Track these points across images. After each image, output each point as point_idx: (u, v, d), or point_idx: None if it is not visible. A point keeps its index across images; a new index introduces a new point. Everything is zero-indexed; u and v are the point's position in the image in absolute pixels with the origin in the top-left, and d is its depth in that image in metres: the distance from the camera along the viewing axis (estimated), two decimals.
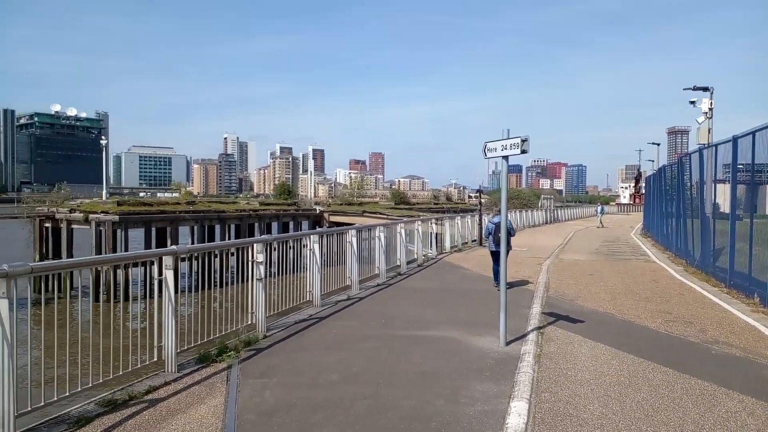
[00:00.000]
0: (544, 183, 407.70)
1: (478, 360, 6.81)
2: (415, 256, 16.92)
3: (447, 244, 21.21)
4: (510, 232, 10.76)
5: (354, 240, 11.50)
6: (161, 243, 32.02)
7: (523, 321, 8.96)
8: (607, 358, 6.98)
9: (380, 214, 46.03)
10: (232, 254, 8.07)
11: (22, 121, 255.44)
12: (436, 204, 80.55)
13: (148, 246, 31.32)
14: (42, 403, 4.79)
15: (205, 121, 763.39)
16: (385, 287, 12.49)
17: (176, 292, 6.16)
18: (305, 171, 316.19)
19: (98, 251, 29.91)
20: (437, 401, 5.39)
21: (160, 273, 6.08)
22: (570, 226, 43.69)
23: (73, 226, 32.62)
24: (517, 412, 5.04)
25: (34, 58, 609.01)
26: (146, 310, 6.54)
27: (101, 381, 5.40)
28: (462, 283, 13.62)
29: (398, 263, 15.09)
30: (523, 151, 7.13)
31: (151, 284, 6.18)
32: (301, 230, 41.48)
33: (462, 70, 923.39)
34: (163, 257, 6.14)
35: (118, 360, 5.61)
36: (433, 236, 19.67)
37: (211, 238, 36.93)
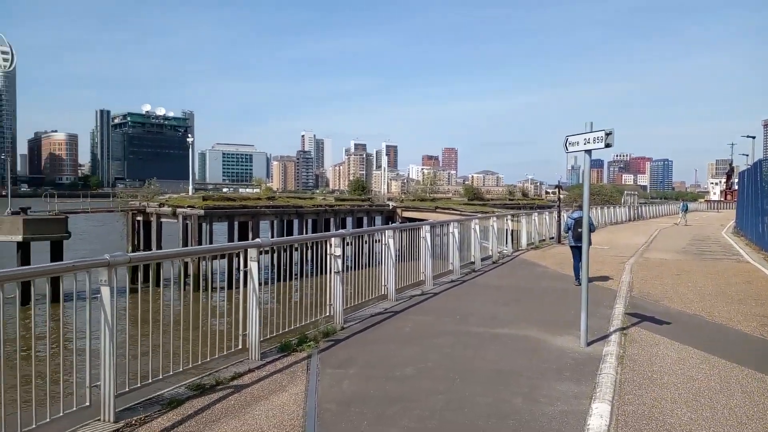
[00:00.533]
0: (627, 178, 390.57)
1: (557, 359, 6.66)
2: (490, 253, 16.69)
3: (523, 241, 20.77)
4: (590, 227, 10.41)
5: (428, 236, 11.50)
6: (243, 236, 33.30)
7: (605, 321, 8.66)
8: (696, 362, 6.63)
9: (453, 210, 45.67)
10: (309, 248, 8.31)
11: (117, 120, 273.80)
12: (512, 200, 78.75)
13: (230, 239, 32.67)
14: (138, 385, 5.14)
15: (283, 119, 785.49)
16: (459, 283, 12.42)
17: (260, 283, 6.43)
18: (378, 167, 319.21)
19: (185, 243, 31.51)
20: (515, 399, 5.33)
21: (245, 264, 6.36)
22: (655, 223, 41.61)
23: (162, 220, 34.52)
24: (599, 413, 4.89)
25: (127, 60, 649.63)
26: (232, 300, 6.85)
27: (190, 366, 5.73)
28: (539, 280, 13.32)
29: (472, 260, 14.94)
30: (608, 145, 6.89)
31: (237, 275, 6.46)
32: (374, 225, 41.91)
33: (539, 63, 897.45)
34: (248, 249, 6.42)
35: (206, 347, 5.93)
36: (509, 233, 19.30)
37: (290, 232, 38.02)
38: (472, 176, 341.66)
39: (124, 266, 4.98)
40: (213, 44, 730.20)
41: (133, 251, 32.52)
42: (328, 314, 8.10)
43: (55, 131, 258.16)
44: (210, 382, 5.63)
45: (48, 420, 4.37)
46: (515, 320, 8.78)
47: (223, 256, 9.14)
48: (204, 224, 31.67)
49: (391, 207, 51.05)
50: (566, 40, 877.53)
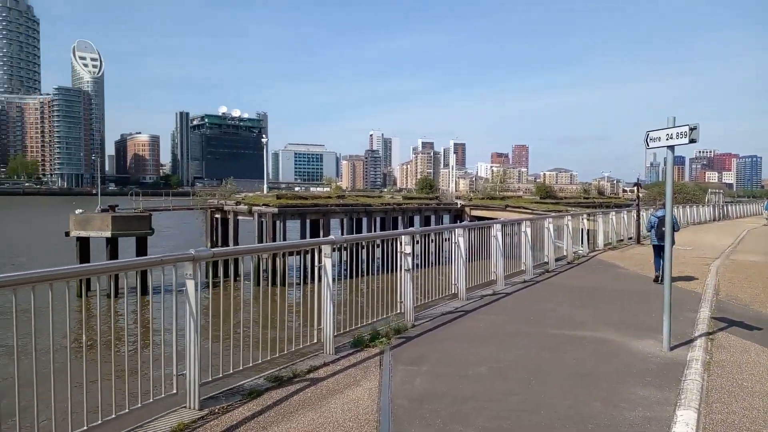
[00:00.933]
0: (711, 176, 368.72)
1: (638, 364, 6.41)
2: (564, 253, 16.24)
3: (600, 242, 20.06)
4: (674, 226, 9.94)
5: (499, 234, 11.34)
6: (315, 234, 34.05)
7: (689, 325, 8.24)
8: None
9: (524, 208, 44.65)
10: (377, 246, 8.39)
11: (195, 122, 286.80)
12: (586, 198, 75.80)
13: (303, 236, 33.45)
14: (220, 375, 5.37)
15: (352, 118, 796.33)
16: (531, 284, 12.16)
17: (333, 279, 6.56)
18: (446, 165, 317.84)
19: (260, 240, 32.56)
20: (593, 403, 5.17)
21: (320, 261, 6.51)
22: (742, 223, 39.08)
23: (239, 217, 35.80)
24: (684, 421, 4.67)
25: (204, 64, 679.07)
26: (306, 295, 7.02)
27: (268, 358, 5.93)
28: (617, 282, 12.83)
29: (546, 260, 14.59)
30: (692, 140, 6.56)
31: (312, 271, 6.62)
32: (442, 224, 41.70)
33: (615, 56, 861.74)
34: (322, 246, 6.57)
35: (282, 340, 6.11)
36: (585, 233, 18.67)
37: (359, 230, 38.53)
38: (544, 174, 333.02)
39: (207, 261, 5.20)
40: (286, 47, 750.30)
41: (211, 247, 33.88)
42: (398, 311, 8.16)
43: (139, 133, 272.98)
44: (287, 375, 5.80)
45: (140, 405, 4.65)
46: (592, 322, 8.51)
47: (297, 253, 9.39)
48: (278, 222, 32.57)
49: (459, 205, 50.55)
50: (644, 31, 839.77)
